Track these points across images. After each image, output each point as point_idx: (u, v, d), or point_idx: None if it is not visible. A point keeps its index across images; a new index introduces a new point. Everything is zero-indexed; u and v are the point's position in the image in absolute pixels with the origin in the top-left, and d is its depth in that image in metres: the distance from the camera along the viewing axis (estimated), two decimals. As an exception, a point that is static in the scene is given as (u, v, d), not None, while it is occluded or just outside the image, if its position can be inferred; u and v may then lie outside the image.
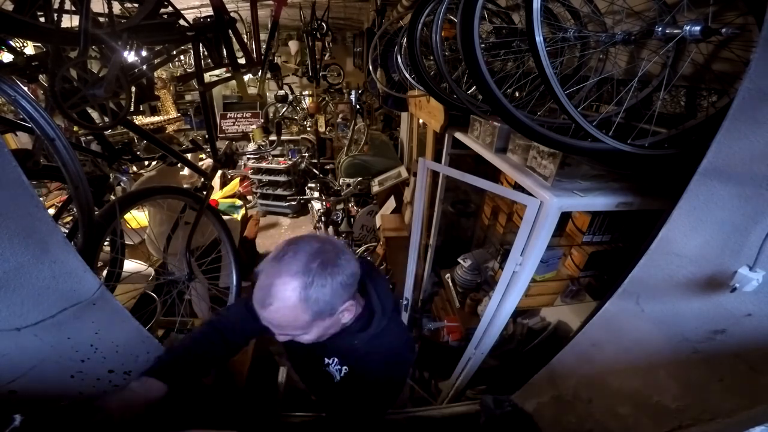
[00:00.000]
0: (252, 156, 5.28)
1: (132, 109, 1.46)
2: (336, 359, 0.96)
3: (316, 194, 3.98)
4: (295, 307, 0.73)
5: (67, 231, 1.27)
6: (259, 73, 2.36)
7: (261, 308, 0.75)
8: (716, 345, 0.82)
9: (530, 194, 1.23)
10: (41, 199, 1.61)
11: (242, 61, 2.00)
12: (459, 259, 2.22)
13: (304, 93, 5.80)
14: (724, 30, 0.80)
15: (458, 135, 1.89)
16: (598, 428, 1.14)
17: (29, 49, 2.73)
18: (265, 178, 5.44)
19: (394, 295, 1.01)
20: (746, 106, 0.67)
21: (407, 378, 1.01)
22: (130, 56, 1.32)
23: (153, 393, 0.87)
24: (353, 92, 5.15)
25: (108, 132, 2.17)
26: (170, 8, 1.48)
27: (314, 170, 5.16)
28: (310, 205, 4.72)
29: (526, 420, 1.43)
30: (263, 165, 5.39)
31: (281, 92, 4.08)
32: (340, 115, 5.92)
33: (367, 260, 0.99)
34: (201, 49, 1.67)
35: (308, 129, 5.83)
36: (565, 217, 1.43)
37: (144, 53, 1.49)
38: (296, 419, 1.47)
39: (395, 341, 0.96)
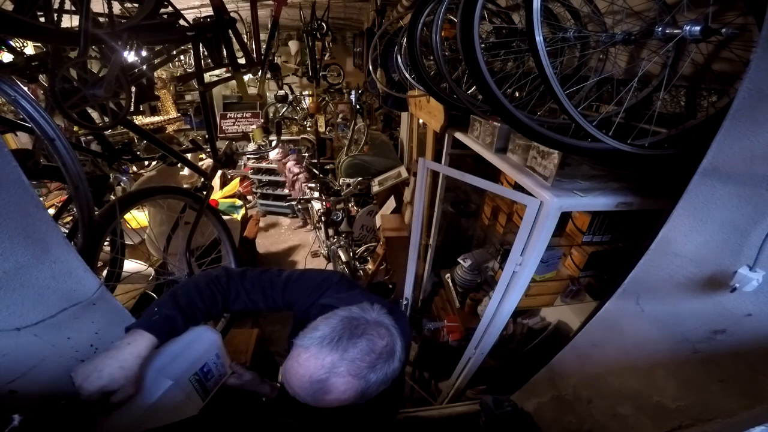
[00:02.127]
0: (252, 156, 5.28)
1: (132, 109, 1.46)
2: None
3: (316, 194, 3.98)
4: (347, 400, 0.70)
5: (67, 231, 1.27)
6: (259, 73, 2.36)
7: (306, 397, 0.69)
8: (716, 345, 0.82)
9: (530, 194, 1.23)
10: (41, 199, 1.61)
11: (242, 61, 2.00)
12: (459, 259, 2.22)
13: (304, 93, 5.80)
14: (724, 30, 0.80)
15: (458, 135, 1.89)
16: (598, 428, 1.14)
17: (29, 49, 2.73)
18: (265, 178, 5.44)
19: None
20: (746, 106, 0.67)
21: None
22: (130, 56, 1.32)
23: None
24: (353, 92, 5.15)
25: (108, 132, 2.16)
26: (170, 8, 1.48)
27: (314, 170, 5.15)
28: (310, 205, 4.72)
29: (526, 420, 1.43)
30: (263, 165, 5.39)
31: (281, 92, 4.07)
32: (340, 115, 5.91)
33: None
34: (201, 49, 1.67)
35: (308, 129, 5.83)
36: (565, 217, 1.43)
37: (144, 53, 1.49)
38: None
39: None
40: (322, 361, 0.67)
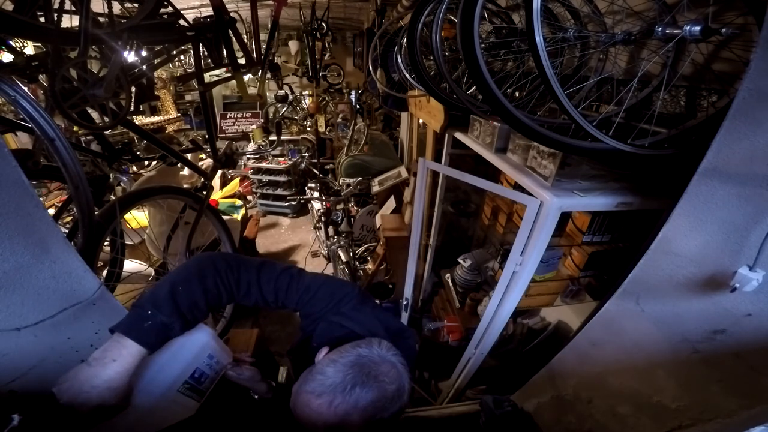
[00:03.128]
0: (252, 156, 5.28)
1: (132, 109, 1.45)
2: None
3: (316, 194, 3.98)
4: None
5: (67, 231, 1.27)
6: (259, 73, 2.36)
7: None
8: (716, 345, 0.82)
9: (530, 194, 1.23)
10: (41, 199, 1.61)
11: (242, 61, 2.00)
12: (459, 259, 2.22)
13: (304, 93, 5.80)
14: (724, 30, 0.80)
15: (458, 135, 1.89)
16: (598, 428, 1.14)
17: (29, 49, 2.73)
18: (265, 178, 5.44)
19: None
20: (746, 106, 0.67)
21: None
22: (130, 56, 1.32)
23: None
24: (353, 92, 5.15)
25: (108, 132, 2.16)
26: (170, 8, 1.48)
27: (314, 170, 5.15)
28: (310, 205, 4.72)
29: (526, 420, 1.43)
30: (263, 165, 5.39)
31: (281, 92, 4.07)
32: (340, 115, 5.92)
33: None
34: (201, 49, 1.67)
35: (308, 129, 5.83)
36: (565, 217, 1.43)
37: (144, 53, 1.49)
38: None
39: None
40: (335, 410, 0.68)
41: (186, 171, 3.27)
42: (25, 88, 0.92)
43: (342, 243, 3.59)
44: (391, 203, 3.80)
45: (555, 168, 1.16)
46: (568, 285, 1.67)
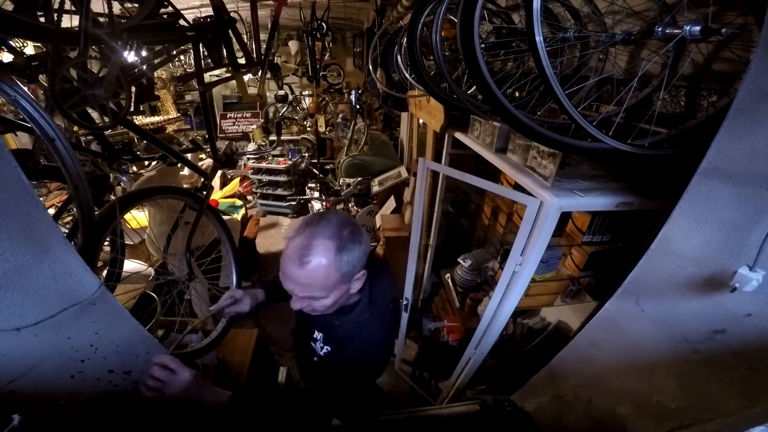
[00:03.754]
0: (252, 156, 5.27)
1: (132, 109, 1.45)
2: (322, 335, 1.05)
3: (316, 194, 3.98)
4: (330, 265, 0.81)
5: (67, 231, 1.27)
6: (259, 73, 2.36)
7: (298, 267, 0.81)
8: (716, 345, 0.82)
9: (530, 194, 1.23)
10: (41, 199, 1.61)
11: (242, 61, 1.99)
12: (459, 259, 2.22)
13: (304, 93, 5.80)
14: (724, 30, 0.80)
15: (458, 135, 1.89)
16: (598, 428, 1.14)
17: (29, 49, 2.73)
18: (265, 178, 5.43)
19: (390, 295, 1.07)
20: (746, 106, 0.67)
21: (378, 376, 1.11)
22: (130, 56, 1.32)
23: (261, 297, 1.20)
24: (353, 92, 5.15)
25: (108, 132, 2.16)
26: (170, 8, 1.48)
27: (314, 170, 5.15)
28: (310, 205, 4.72)
29: (526, 420, 1.43)
30: (263, 165, 5.38)
31: (281, 92, 4.07)
32: (340, 115, 5.92)
33: (378, 258, 1.12)
34: (201, 49, 1.67)
35: (308, 129, 5.83)
36: (565, 217, 1.43)
37: (144, 53, 1.49)
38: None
39: (375, 337, 1.00)
40: (301, 240, 0.83)
41: (186, 171, 3.27)
42: (25, 88, 0.91)
43: (342, 243, 3.58)
44: (391, 203, 3.80)
45: (555, 168, 1.16)
46: (568, 285, 1.67)
